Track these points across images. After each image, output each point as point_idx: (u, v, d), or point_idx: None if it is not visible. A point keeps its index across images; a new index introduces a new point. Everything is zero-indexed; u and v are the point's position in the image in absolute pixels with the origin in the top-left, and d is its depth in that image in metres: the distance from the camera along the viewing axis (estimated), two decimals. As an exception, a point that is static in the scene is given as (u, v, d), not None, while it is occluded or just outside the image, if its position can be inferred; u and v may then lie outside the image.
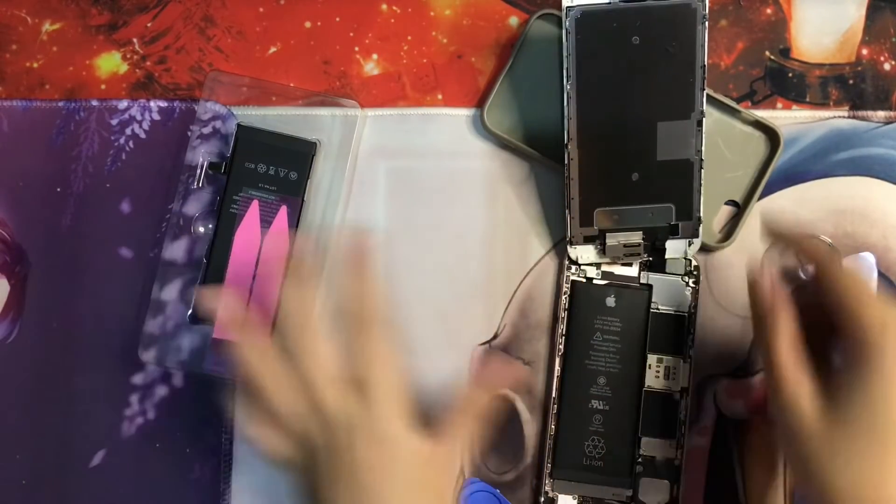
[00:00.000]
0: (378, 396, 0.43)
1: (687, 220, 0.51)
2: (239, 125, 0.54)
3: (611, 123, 0.50)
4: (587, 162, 0.50)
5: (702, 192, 0.51)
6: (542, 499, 0.52)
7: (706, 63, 0.49)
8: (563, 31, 0.49)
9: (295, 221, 0.53)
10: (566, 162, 0.50)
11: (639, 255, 0.52)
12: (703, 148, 0.50)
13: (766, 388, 0.45)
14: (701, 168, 0.50)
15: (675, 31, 0.49)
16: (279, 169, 0.53)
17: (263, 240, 0.53)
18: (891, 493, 0.41)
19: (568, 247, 0.52)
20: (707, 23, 0.49)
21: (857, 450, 0.41)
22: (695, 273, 0.53)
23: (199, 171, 0.54)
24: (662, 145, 0.50)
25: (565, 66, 0.49)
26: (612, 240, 0.51)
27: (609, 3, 0.48)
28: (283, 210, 0.53)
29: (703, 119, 0.50)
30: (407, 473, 0.42)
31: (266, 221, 0.53)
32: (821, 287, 0.44)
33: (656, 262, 0.52)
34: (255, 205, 0.53)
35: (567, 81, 0.49)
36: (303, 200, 0.53)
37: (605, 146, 0.50)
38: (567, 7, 0.48)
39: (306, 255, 0.48)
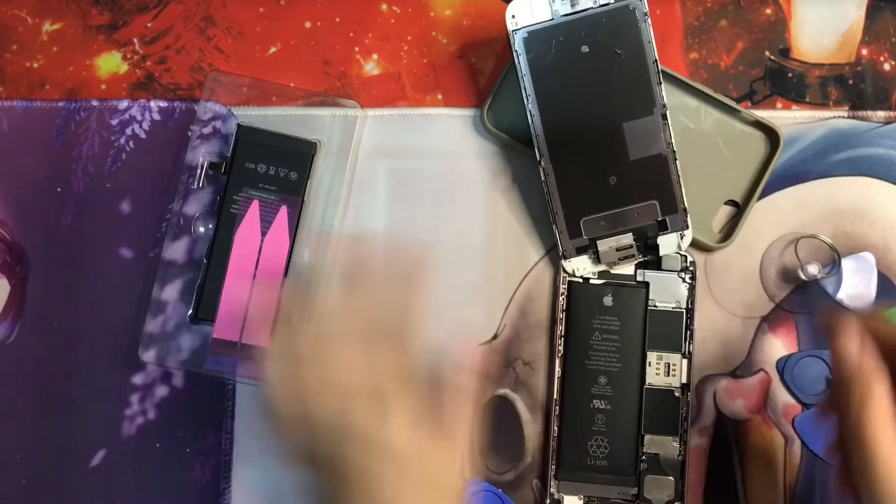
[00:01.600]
0: (396, 410, 0.43)
1: (673, 214, 0.51)
2: (239, 125, 0.54)
3: (578, 133, 0.51)
4: (563, 174, 0.51)
5: (682, 182, 0.51)
6: (548, 500, 0.52)
7: (657, 58, 0.50)
8: (514, 53, 0.50)
9: (295, 221, 0.53)
10: (543, 178, 0.51)
11: (633, 256, 0.52)
12: (672, 140, 0.50)
13: (853, 458, 0.40)
14: (675, 160, 0.51)
15: (620, 34, 0.50)
16: (279, 169, 0.53)
17: (263, 240, 0.53)
18: None
19: (562, 261, 0.52)
20: (649, 20, 0.49)
21: None
22: (691, 269, 0.53)
23: (199, 171, 0.54)
24: (633, 145, 0.51)
25: (522, 85, 0.50)
26: (603, 246, 0.52)
27: (551, 19, 0.50)
28: (284, 210, 0.53)
29: (667, 112, 0.50)
30: (418, 482, 0.43)
31: (266, 221, 0.53)
32: None
33: (652, 260, 0.53)
34: (255, 205, 0.53)
35: (527, 101, 0.50)
36: (303, 200, 0.53)
37: (578, 156, 0.51)
38: (512, 31, 0.50)
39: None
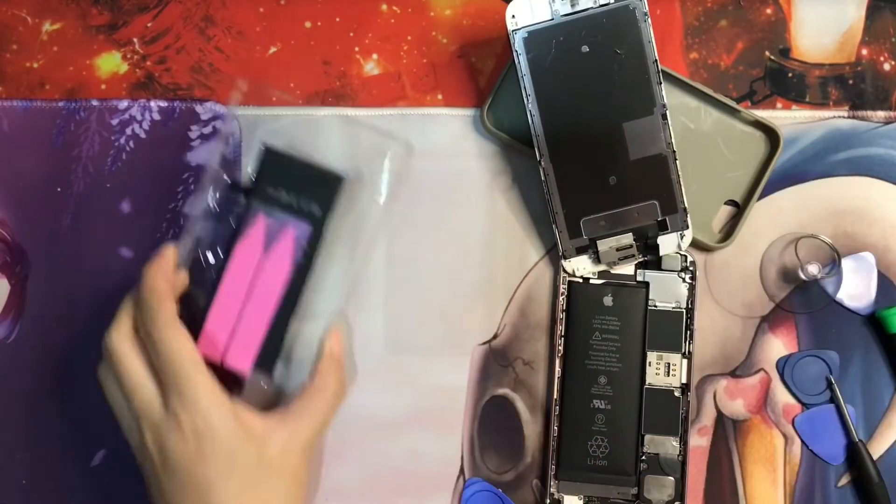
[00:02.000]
0: (184, 394, 0.44)
1: (673, 213, 0.51)
2: (267, 149, 0.49)
3: (578, 132, 0.51)
4: (563, 174, 0.51)
5: (682, 182, 0.51)
6: (548, 500, 0.52)
7: (657, 58, 0.50)
8: (514, 53, 0.50)
9: (303, 246, 0.48)
10: (543, 178, 0.51)
11: (633, 255, 0.52)
12: (672, 140, 0.50)
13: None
14: (675, 160, 0.51)
15: (620, 34, 0.50)
16: (301, 199, 0.48)
17: (263, 260, 0.49)
18: None
19: (562, 261, 0.52)
20: (649, 20, 0.49)
21: None
22: (691, 269, 0.53)
23: (201, 175, 0.53)
24: (632, 144, 0.51)
25: (522, 85, 0.50)
26: (603, 246, 0.52)
27: (551, 19, 0.50)
28: (290, 233, 0.48)
29: (667, 112, 0.50)
30: (229, 455, 0.44)
31: (272, 241, 0.49)
32: None
33: (652, 260, 0.53)
34: (260, 220, 0.48)
35: (527, 101, 0.50)
36: (321, 233, 0.48)
37: (578, 155, 0.51)
38: (512, 31, 0.50)
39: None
